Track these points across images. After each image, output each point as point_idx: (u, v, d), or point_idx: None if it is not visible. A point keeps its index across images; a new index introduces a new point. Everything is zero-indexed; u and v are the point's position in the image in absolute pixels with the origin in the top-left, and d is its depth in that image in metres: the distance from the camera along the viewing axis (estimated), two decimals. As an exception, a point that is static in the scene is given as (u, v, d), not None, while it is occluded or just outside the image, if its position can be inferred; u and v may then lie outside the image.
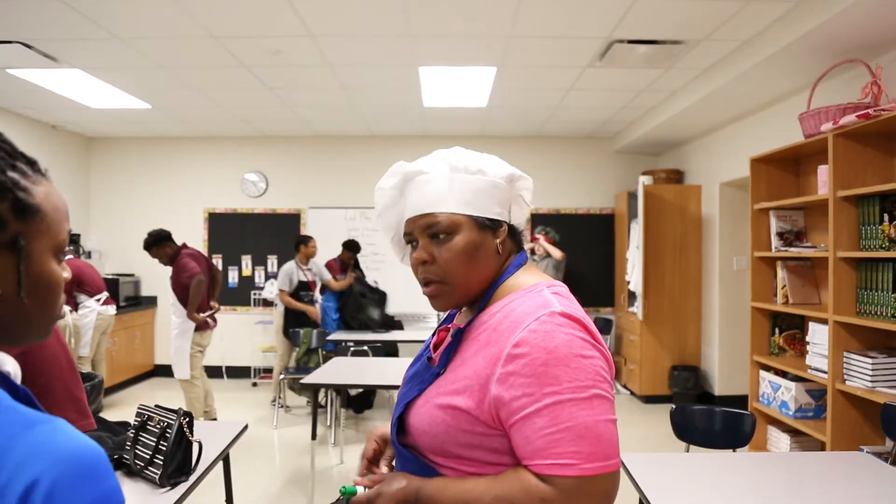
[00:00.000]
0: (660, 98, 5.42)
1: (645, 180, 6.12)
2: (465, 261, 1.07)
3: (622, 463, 2.15)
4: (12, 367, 0.73)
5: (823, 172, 3.54)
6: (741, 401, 5.38)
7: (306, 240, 6.08)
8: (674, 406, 2.90)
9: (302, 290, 5.98)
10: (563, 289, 1.09)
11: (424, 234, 1.10)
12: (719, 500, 1.91)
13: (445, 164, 1.12)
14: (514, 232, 1.16)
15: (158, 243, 4.89)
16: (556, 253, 6.27)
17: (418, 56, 4.38)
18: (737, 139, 5.44)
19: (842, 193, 3.34)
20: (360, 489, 1.06)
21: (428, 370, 1.11)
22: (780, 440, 4.03)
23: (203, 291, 4.78)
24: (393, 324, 6.67)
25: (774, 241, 4.13)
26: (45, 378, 1.34)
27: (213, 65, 4.56)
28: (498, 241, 1.11)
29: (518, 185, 1.15)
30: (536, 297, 1.04)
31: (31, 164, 0.73)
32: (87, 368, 5.22)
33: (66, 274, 0.75)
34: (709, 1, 3.37)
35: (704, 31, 3.79)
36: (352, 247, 6.38)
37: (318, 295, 6.18)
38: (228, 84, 5.09)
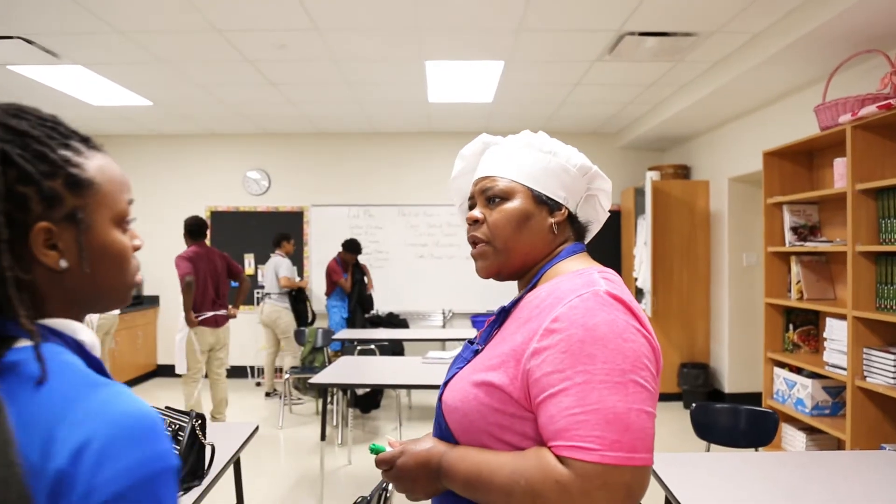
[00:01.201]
0: (668, 93, 5.35)
1: (652, 176, 6.05)
2: (513, 227, 1.08)
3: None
4: (87, 338, 0.73)
5: (841, 165, 3.47)
6: (752, 398, 5.32)
7: (289, 237, 6.40)
8: (694, 405, 2.84)
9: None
10: (615, 276, 1.06)
11: (482, 196, 1.12)
12: (747, 500, 1.85)
13: (523, 140, 1.15)
14: (575, 222, 1.15)
15: (186, 234, 4.95)
16: None
17: (425, 50, 4.31)
18: (745, 134, 5.37)
19: (860, 186, 3.28)
20: (387, 448, 1.07)
21: (468, 349, 1.11)
22: (795, 438, 3.97)
23: (193, 292, 4.70)
24: (398, 322, 6.62)
25: (788, 236, 4.07)
26: None
27: (216, 59, 4.48)
28: (553, 220, 1.10)
29: (594, 182, 1.17)
30: (584, 277, 1.01)
31: (85, 140, 0.79)
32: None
33: (137, 241, 0.80)
34: (724, -9, 3.32)
35: (717, 22, 3.72)
36: (351, 247, 6.29)
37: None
38: (232, 80, 5.02)
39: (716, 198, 6.01)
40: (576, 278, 1.02)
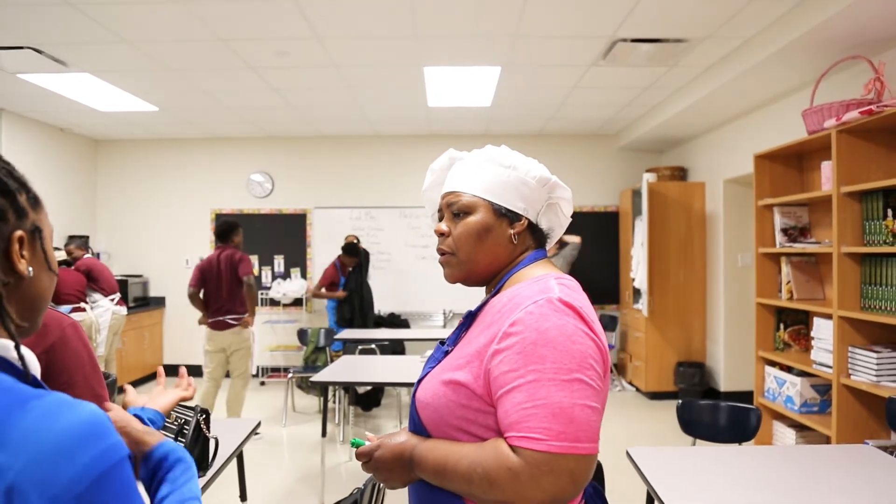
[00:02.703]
0: (663, 95, 5.44)
1: (649, 178, 6.14)
2: (475, 239, 1.18)
3: (629, 456, 2.21)
4: (12, 355, 0.76)
5: (827, 168, 3.57)
6: (747, 396, 5.40)
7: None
8: (680, 401, 2.94)
9: None
10: (572, 282, 1.15)
11: (448, 209, 1.22)
12: (726, 492, 1.95)
13: (485, 155, 1.23)
14: (536, 231, 1.24)
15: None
16: (575, 238, 6.27)
17: (424, 56, 4.41)
18: (740, 136, 5.46)
19: (845, 189, 3.37)
20: (367, 442, 1.17)
21: (440, 350, 1.20)
22: (785, 435, 4.06)
23: (196, 301, 4.86)
24: (399, 322, 6.72)
25: (779, 237, 4.16)
26: (68, 375, 1.39)
27: (220, 67, 4.60)
28: (513, 231, 1.19)
29: (554, 192, 1.24)
30: (541, 284, 1.11)
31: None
32: (101, 368, 5.29)
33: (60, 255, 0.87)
34: (712, 0, 3.40)
35: (707, 29, 3.82)
36: (349, 250, 6.26)
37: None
38: (235, 86, 5.13)
39: (711, 199, 6.10)
40: (534, 285, 1.11)
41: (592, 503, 1.20)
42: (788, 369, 4.07)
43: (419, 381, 1.18)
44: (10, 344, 0.76)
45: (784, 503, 1.85)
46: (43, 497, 0.63)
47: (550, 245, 1.30)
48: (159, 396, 1.29)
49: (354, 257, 6.29)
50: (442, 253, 1.22)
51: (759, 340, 4.31)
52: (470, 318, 1.19)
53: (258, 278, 7.32)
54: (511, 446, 0.99)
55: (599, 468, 2.26)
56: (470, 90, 5.34)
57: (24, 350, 0.77)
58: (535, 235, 1.24)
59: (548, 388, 0.98)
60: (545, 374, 0.99)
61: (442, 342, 1.24)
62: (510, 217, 1.19)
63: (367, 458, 1.16)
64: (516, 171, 1.20)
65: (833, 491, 1.93)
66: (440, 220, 1.25)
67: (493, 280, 1.22)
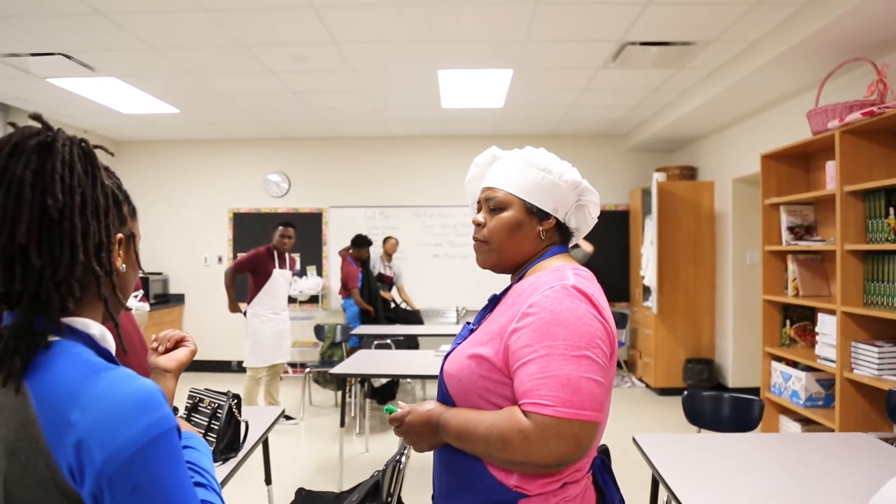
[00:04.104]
0: (672, 97, 5.54)
1: (659, 177, 6.24)
2: (506, 233, 1.32)
3: (635, 442, 2.33)
4: (97, 331, 0.88)
5: (831, 168, 3.66)
6: (754, 393, 5.44)
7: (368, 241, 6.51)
8: (686, 392, 3.05)
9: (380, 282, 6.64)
10: (587, 273, 1.29)
11: (486, 204, 1.36)
12: (726, 475, 2.05)
13: (523, 156, 1.35)
14: (563, 228, 1.37)
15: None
16: (588, 246, 6.44)
17: (438, 60, 4.55)
18: (749, 136, 5.55)
19: (849, 188, 3.46)
20: (399, 409, 1.31)
21: (466, 328, 1.35)
22: (790, 429, 4.15)
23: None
24: (413, 319, 6.83)
25: (785, 236, 4.25)
26: (122, 358, 1.54)
27: (240, 71, 4.76)
28: (541, 228, 1.33)
29: (584, 195, 1.37)
30: (558, 273, 1.25)
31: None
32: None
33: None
34: (718, 4, 3.51)
35: (714, 32, 3.92)
36: (358, 242, 6.41)
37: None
38: (255, 89, 5.29)
39: (720, 198, 6.19)
40: (552, 274, 1.24)
41: (600, 474, 1.33)
42: (794, 365, 4.15)
43: (447, 355, 1.32)
44: (92, 323, 0.89)
45: (783, 486, 1.96)
46: (103, 452, 0.74)
47: (576, 240, 1.44)
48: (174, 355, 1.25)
49: (366, 247, 6.41)
50: (476, 241, 1.36)
51: (766, 336, 4.40)
52: (494, 301, 1.33)
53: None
54: (524, 412, 1.12)
55: (606, 452, 2.38)
56: (483, 92, 5.46)
57: (100, 327, 0.90)
58: (561, 232, 1.38)
59: (558, 361, 1.11)
60: (556, 350, 1.12)
61: (468, 322, 1.38)
62: (540, 216, 1.32)
63: (399, 423, 1.30)
64: (550, 175, 1.32)
65: (827, 475, 2.04)
66: (478, 211, 1.39)
67: (518, 269, 1.36)
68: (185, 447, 0.99)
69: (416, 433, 1.28)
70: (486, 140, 7.31)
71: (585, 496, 1.25)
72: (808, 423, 4.05)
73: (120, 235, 0.94)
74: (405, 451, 2.20)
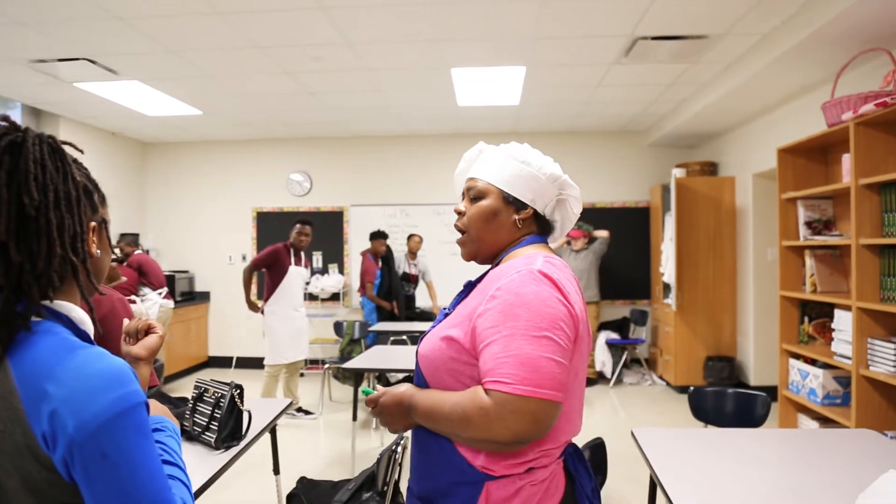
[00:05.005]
0: (689, 91, 5.49)
1: (677, 173, 6.18)
2: (482, 220, 1.37)
3: (633, 436, 2.33)
4: (76, 315, 0.95)
5: (847, 161, 3.59)
6: (776, 390, 5.41)
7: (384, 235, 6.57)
8: (692, 388, 3.04)
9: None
10: (557, 260, 1.32)
11: (467, 193, 1.41)
12: (718, 468, 2.04)
13: (505, 149, 1.41)
14: (541, 219, 1.41)
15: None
16: (603, 233, 6.47)
17: (449, 58, 4.58)
18: (769, 130, 5.47)
19: (864, 181, 3.40)
20: (376, 392, 1.37)
21: (442, 313, 1.40)
22: (808, 427, 4.09)
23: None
24: (430, 317, 6.87)
25: (802, 231, 4.18)
26: (116, 341, 1.60)
27: (258, 72, 4.86)
28: (517, 217, 1.37)
29: (565, 189, 1.41)
30: (529, 259, 1.28)
31: None
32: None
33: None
34: (727, -3, 3.48)
35: (725, 25, 3.88)
36: (375, 235, 6.50)
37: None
38: (273, 90, 5.40)
39: (741, 193, 6.11)
40: (523, 260, 1.28)
41: (572, 461, 1.35)
42: (812, 362, 4.09)
43: (421, 337, 1.37)
44: (73, 307, 0.97)
45: (775, 482, 1.95)
46: (74, 420, 0.81)
47: (558, 236, 1.47)
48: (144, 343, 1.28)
49: (380, 239, 6.47)
50: (458, 231, 1.42)
51: (784, 333, 4.34)
52: (469, 287, 1.38)
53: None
54: (485, 390, 1.16)
55: (602, 446, 2.39)
56: (498, 89, 5.47)
57: (80, 312, 0.98)
58: (540, 224, 1.42)
59: (519, 341, 1.15)
60: (518, 330, 1.15)
61: (444, 309, 1.43)
62: (517, 205, 1.37)
63: (374, 405, 1.35)
64: (529, 167, 1.37)
65: (820, 470, 2.03)
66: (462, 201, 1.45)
67: (495, 257, 1.41)
68: (155, 429, 1.05)
69: (390, 413, 1.33)
70: (504, 137, 7.30)
71: (554, 481, 1.26)
72: (826, 422, 3.98)
73: (93, 224, 1.00)
74: (402, 442, 2.24)
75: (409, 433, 1.40)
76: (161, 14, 3.67)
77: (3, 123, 0.92)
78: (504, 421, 1.12)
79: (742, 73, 4.52)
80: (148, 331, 1.20)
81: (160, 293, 5.86)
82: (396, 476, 2.25)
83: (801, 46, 3.76)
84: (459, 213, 1.41)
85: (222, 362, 7.68)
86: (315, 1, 3.53)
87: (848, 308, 3.57)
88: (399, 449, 2.20)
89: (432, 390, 1.28)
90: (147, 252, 7.47)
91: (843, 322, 3.65)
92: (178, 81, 5.11)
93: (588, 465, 1.40)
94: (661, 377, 6.76)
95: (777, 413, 4.41)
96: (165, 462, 0.98)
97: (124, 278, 5.94)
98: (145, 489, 0.84)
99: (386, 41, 4.21)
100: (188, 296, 7.50)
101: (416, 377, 1.36)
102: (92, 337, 0.99)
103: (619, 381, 6.74)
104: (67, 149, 0.99)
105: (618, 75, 4.99)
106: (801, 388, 4.12)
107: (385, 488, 2.14)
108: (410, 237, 6.81)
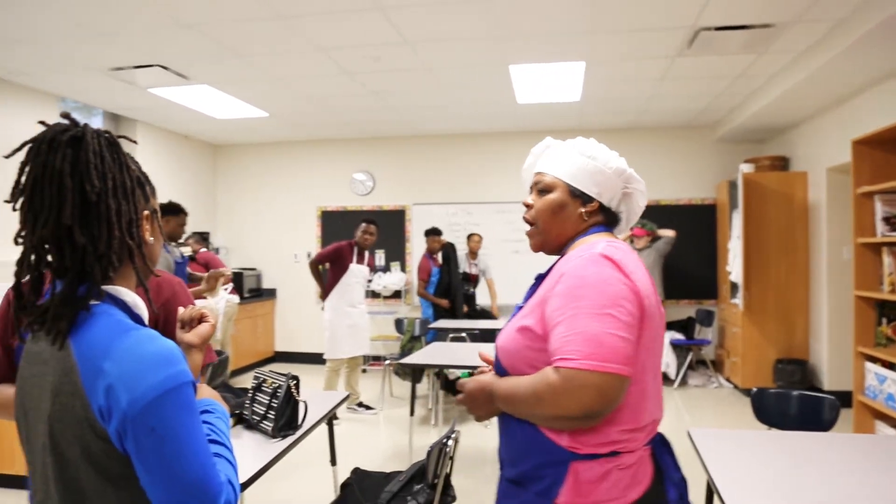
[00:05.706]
0: (758, 83, 5.28)
1: (745, 168, 5.96)
2: (550, 213, 1.41)
3: (689, 437, 2.27)
4: (130, 299, 1.02)
5: (928, 153, 3.39)
6: (851, 396, 5.14)
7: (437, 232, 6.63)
8: (755, 389, 2.93)
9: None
10: (621, 244, 1.34)
11: (535, 187, 1.46)
12: (773, 472, 1.97)
13: (572, 144, 1.45)
14: (607, 212, 1.44)
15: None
16: (669, 232, 6.35)
17: (507, 55, 4.57)
18: (843, 121, 5.20)
19: (947, 174, 3.19)
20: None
21: (517, 307, 1.44)
22: (885, 434, 3.87)
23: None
24: (489, 315, 6.84)
25: (880, 227, 3.97)
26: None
27: (321, 74, 5.00)
28: (583, 210, 1.41)
29: (630, 183, 1.44)
30: (592, 245, 1.32)
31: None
32: (217, 347, 5.88)
33: None
34: (795, -17, 3.34)
35: (793, 13, 3.72)
36: (430, 231, 6.56)
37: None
38: (335, 91, 5.53)
39: (814, 189, 5.83)
40: (587, 246, 1.32)
41: (658, 451, 1.35)
42: (890, 366, 3.87)
43: (500, 331, 1.43)
44: (127, 291, 1.05)
45: (845, 488, 1.87)
46: (128, 396, 0.88)
47: (623, 228, 1.50)
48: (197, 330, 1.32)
49: (433, 236, 6.52)
50: (527, 223, 1.47)
51: (859, 335, 4.12)
52: (540, 279, 1.41)
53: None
54: (554, 368, 1.19)
55: (665, 438, 2.34)
56: (558, 86, 5.42)
57: (134, 296, 1.06)
58: (606, 216, 1.44)
59: (583, 320, 1.19)
60: (581, 310, 1.20)
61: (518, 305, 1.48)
62: (583, 198, 1.40)
63: (462, 390, 1.42)
64: (595, 161, 1.40)
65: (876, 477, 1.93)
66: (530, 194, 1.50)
67: (563, 248, 1.44)
68: (205, 411, 1.12)
69: (472, 399, 1.40)
70: (566, 134, 7.15)
71: (641, 468, 1.28)
72: (906, 429, 3.77)
73: (146, 212, 1.08)
74: (452, 436, 2.27)
75: (494, 419, 1.44)
76: (224, 19, 3.83)
77: (65, 121, 1.00)
78: (572, 395, 1.16)
79: (814, 61, 4.31)
80: (201, 319, 1.27)
81: (226, 288, 6.10)
82: (447, 469, 2.28)
83: (877, 31, 3.56)
84: (528, 206, 1.46)
85: (288, 357, 7.91)
86: (372, 2, 3.60)
87: (929, 309, 3.37)
88: (450, 443, 2.23)
89: (510, 377, 1.33)
90: (217, 250, 7.80)
91: (924, 323, 3.44)
92: (244, 84, 5.31)
93: (675, 456, 1.39)
94: (728, 379, 6.54)
95: (852, 419, 4.19)
96: (213, 441, 1.04)
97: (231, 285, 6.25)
98: (189, 462, 0.91)
99: (442, 39, 4.25)
100: (255, 292, 7.77)
101: (496, 370, 1.41)
102: (146, 320, 1.07)
103: (683, 382, 6.56)
104: (124, 143, 1.08)
105: (681, 68, 4.86)
106: (879, 393, 3.91)
107: (435, 480, 2.17)
108: (470, 237, 6.80)
